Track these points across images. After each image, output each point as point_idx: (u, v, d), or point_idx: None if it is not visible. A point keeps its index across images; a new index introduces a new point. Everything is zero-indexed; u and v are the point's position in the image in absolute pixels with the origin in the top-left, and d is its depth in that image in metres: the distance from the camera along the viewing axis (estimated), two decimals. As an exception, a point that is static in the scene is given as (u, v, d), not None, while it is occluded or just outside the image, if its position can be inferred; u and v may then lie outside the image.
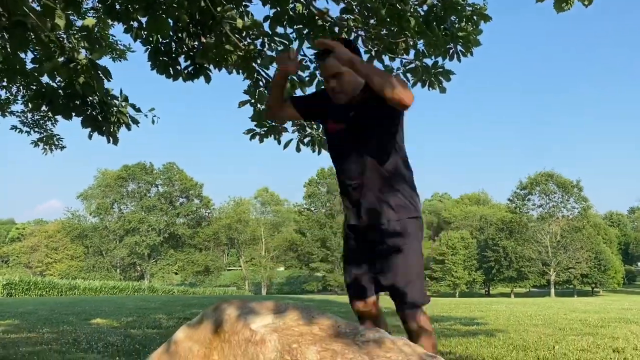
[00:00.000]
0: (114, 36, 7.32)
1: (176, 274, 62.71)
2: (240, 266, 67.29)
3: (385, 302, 2.87)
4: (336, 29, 4.54)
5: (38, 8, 3.50)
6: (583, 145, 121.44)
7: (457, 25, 4.04)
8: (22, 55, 3.87)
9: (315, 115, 3.00)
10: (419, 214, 2.73)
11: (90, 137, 4.75)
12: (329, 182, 60.10)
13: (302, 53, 4.89)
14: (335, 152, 2.80)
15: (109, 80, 3.97)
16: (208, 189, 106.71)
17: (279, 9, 4.30)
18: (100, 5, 5.01)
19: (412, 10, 4.22)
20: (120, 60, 7.08)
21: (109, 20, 6.17)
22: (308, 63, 4.89)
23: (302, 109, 2.86)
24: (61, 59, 3.69)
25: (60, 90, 4.62)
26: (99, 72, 3.72)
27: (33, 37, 3.50)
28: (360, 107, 2.64)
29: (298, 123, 4.78)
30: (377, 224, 2.66)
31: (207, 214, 66.64)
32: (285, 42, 4.36)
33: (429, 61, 4.44)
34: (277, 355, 2.04)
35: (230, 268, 72.93)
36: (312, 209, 63.75)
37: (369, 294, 2.75)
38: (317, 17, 4.37)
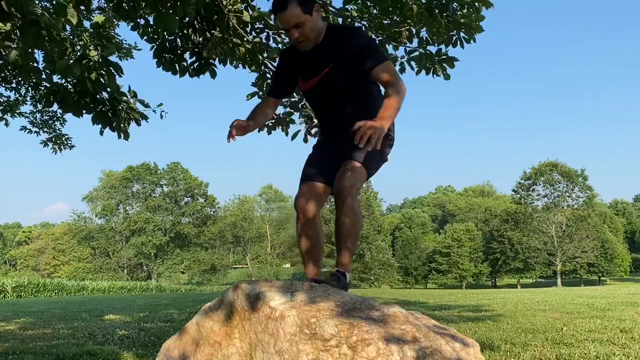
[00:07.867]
0: (119, 35, 7.42)
1: (183, 272, 62.97)
2: (247, 264, 67.48)
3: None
4: (339, 20, 4.61)
5: (51, 8, 3.59)
6: (587, 134, 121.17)
7: (459, 12, 4.11)
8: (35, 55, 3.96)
9: (293, 84, 2.94)
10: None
11: (101, 133, 4.84)
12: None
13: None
14: (314, 106, 2.95)
15: (120, 76, 4.05)
16: (212, 188, 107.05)
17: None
18: (106, 5, 5.10)
19: (414, -2, 4.27)
20: (127, 59, 7.17)
21: (115, 20, 6.26)
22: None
23: (283, 92, 2.94)
24: (74, 57, 3.77)
25: (70, 88, 4.71)
26: (111, 68, 3.80)
27: (46, 35, 3.58)
28: (327, 57, 2.69)
29: (306, 114, 4.86)
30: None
31: (212, 212, 66.84)
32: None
33: (432, 49, 4.52)
34: (297, 330, 2.12)
35: (237, 266, 73.11)
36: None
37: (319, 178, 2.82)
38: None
